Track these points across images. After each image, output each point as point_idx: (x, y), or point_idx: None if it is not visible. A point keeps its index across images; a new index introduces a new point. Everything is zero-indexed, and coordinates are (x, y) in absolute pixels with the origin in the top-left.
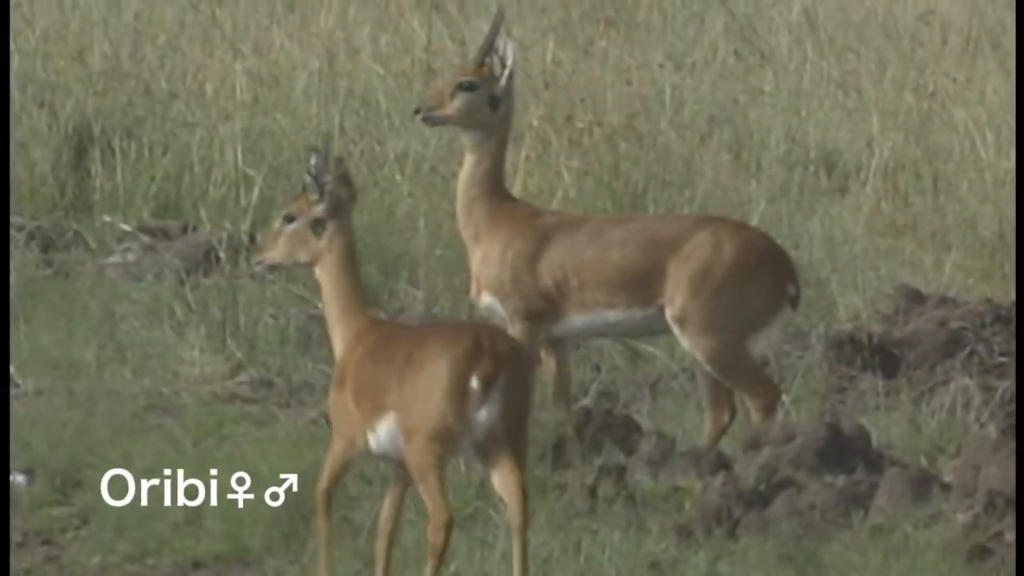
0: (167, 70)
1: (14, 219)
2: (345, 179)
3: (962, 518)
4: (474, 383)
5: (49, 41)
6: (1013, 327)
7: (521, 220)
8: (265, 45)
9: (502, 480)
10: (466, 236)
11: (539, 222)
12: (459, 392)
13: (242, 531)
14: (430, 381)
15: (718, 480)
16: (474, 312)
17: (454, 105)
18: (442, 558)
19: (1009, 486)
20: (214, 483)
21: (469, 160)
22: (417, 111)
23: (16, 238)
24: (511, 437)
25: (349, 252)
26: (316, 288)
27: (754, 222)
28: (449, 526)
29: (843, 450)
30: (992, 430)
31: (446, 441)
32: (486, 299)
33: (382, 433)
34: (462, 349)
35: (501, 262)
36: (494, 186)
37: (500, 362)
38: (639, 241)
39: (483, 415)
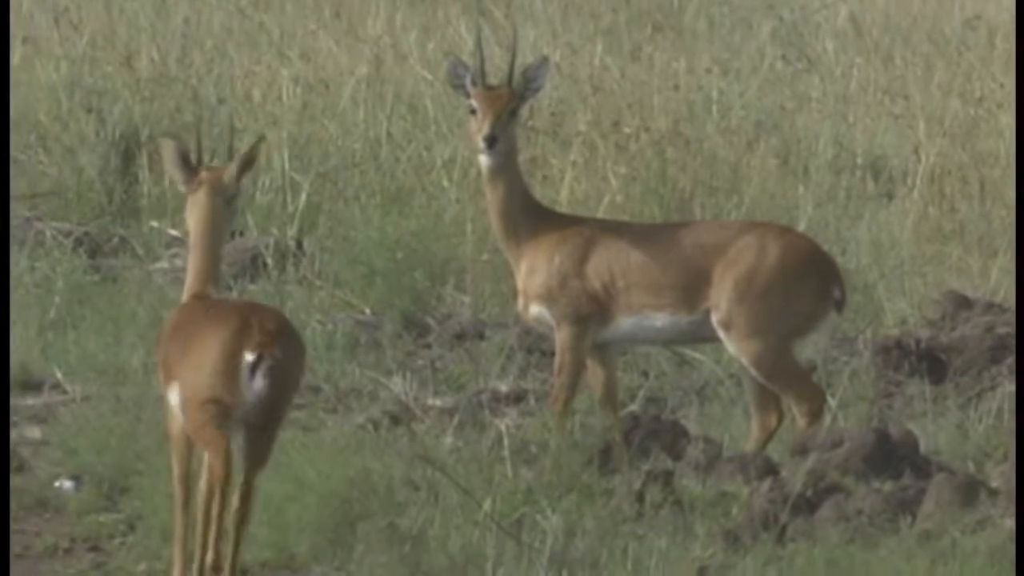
0: (215, 76)
1: (62, 225)
2: (183, 158)
3: (1009, 523)
4: (248, 357)
5: (97, 47)
6: None
7: (565, 226)
8: (312, 51)
9: (244, 451)
10: (510, 254)
11: (584, 227)
12: (229, 368)
13: (288, 538)
14: (202, 358)
15: (765, 485)
16: (521, 317)
17: (510, 131)
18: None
19: None
20: (261, 489)
21: (503, 180)
22: (491, 140)
23: (64, 244)
24: (268, 413)
25: (198, 225)
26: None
27: (801, 228)
28: (224, 479)
29: (890, 455)
30: None
31: (217, 412)
32: (534, 310)
33: (173, 401)
34: (230, 328)
35: (548, 268)
36: (530, 199)
37: (267, 339)
38: (685, 245)
39: (251, 390)
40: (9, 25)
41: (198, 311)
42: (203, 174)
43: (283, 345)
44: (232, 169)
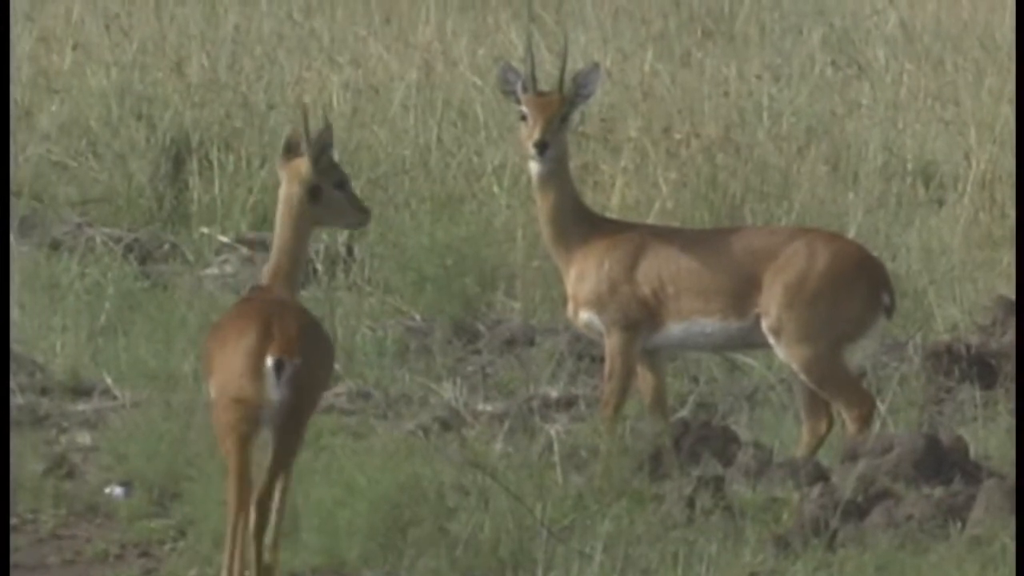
0: (265, 82)
1: (112, 231)
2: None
3: None
4: (268, 362)
5: (147, 53)
6: None
7: (615, 232)
8: (363, 57)
9: (270, 450)
10: (560, 260)
11: (633, 233)
12: (253, 372)
13: (339, 543)
14: (228, 360)
15: (816, 491)
16: (570, 323)
17: (560, 137)
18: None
19: None
20: (312, 495)
21: (553, 187)
22: (542, 146)
23: (114, 250)
24: (290, 414)
25: (277, 216)
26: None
27: (851, 233)
28: (237, 503)
29: (941, 461)
30: None
31: (241, 414)
32: (584, 316)
33: (210, 395)
34: (254, 332)
35: (598, 274)
36: (580, 205)
37: (290, 342)
38: (735, 250)
39: (275, 393)
40: (9, 24)
41: (232, 311)
42: (289, 164)
43: (305, 347)
44: (306, 158)
